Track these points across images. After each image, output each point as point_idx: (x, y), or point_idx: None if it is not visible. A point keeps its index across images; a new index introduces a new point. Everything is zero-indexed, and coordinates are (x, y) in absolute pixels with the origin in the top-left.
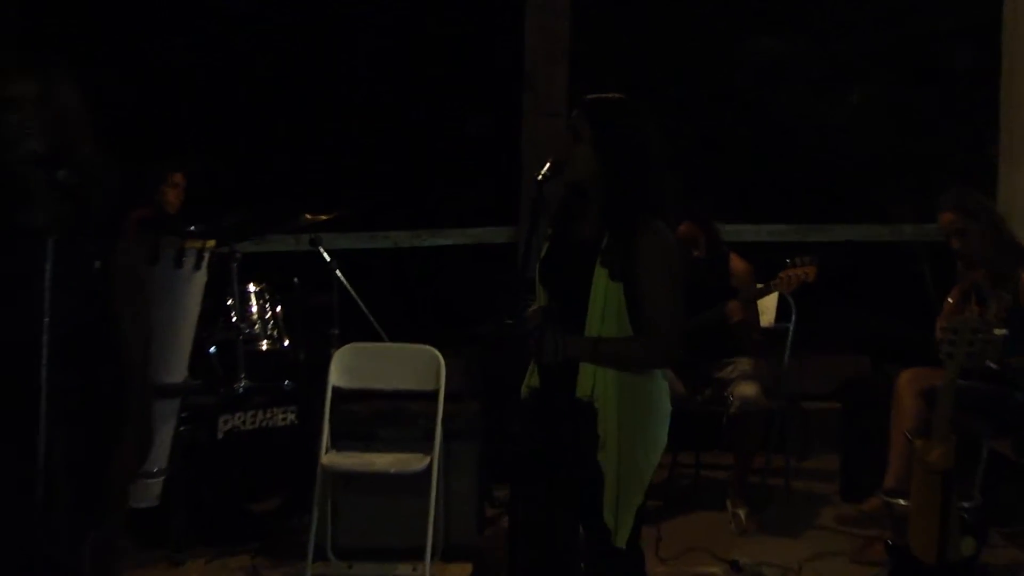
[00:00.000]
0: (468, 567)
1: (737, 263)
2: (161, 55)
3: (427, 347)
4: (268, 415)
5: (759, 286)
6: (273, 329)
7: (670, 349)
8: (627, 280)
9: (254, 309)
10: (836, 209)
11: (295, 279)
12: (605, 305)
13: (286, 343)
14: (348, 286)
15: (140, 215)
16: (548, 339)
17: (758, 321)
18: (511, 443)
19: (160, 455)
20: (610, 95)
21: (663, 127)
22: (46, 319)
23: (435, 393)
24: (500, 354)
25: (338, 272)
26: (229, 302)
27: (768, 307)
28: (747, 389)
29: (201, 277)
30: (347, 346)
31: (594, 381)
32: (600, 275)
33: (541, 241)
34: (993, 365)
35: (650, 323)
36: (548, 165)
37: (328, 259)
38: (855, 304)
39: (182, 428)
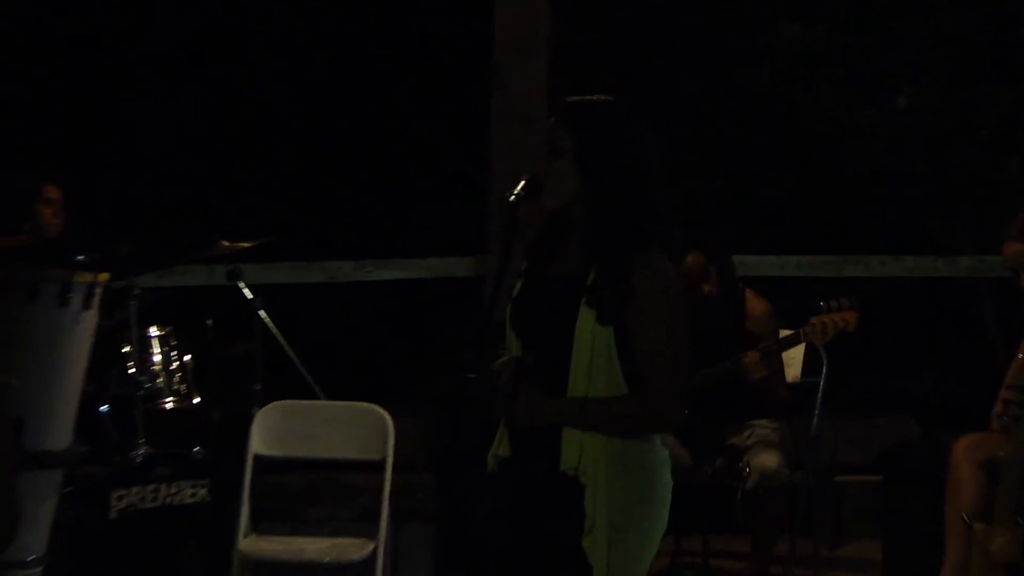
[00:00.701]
0: None
1: (755, 303)
2: (32, 42)
3: (372, 406)
4: (173, 490)
5: (785, 333)
6: (180, 383)
7: (672, 410)
8: (619, 325)
9: (157, 358)
10: (878, 238)
11: (208, 321)
12: (592, 356)
13: (196, 400)
14: (275, 330)
15: (11, 241)
16: (522, 398)
17: (783, 374)
18: (474, 526)
19: (35, 540)
20: (596, 97)
21: (662, 137)
22: None
23: (381, 463)
24: (462, 415)
25: (262, 313)
26: (126, 349)
27: (794, 358)
28: (767, 459)
29: (91, 318)
30: (273, 404)
31: (581, 451)
32: (586, 319)
33: (513, 276)
34: None
35: (647, 378)
36: (522, 184)
37: (250, 296)
38: (901, 354)
39: (65, 507)
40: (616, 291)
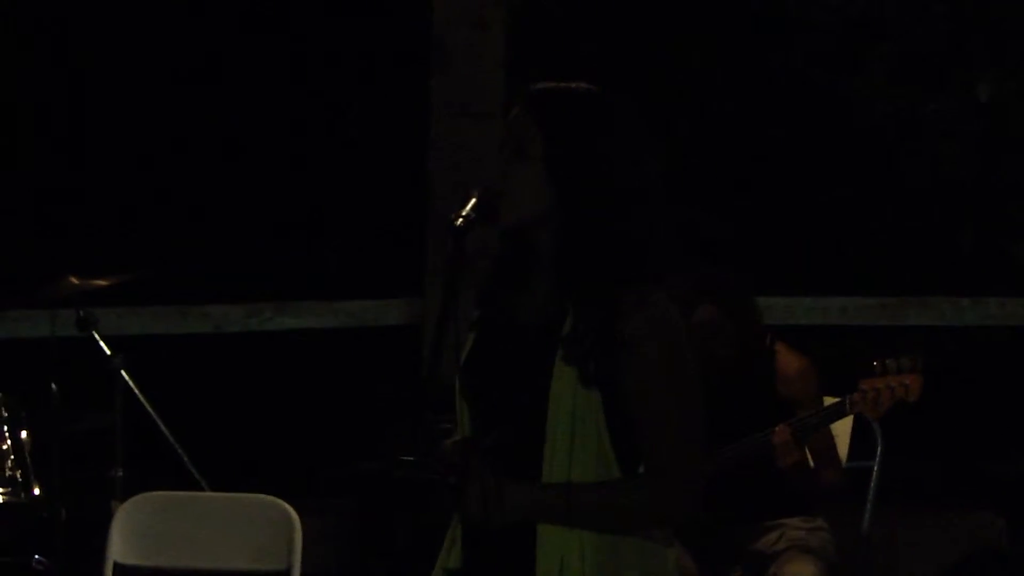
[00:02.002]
0: None
1: (789, 359)
2: None
3: (272, 499)
4: None
5: (829, 401)
6: (14, 469)
7: (686, 495)
8: (608, 386)
9: None
10: (951, 273)
11: (52, 385)
12: (574, 428)
13: (36, 492)
14: (141, 397)
15: None
16: (479, 487)
17: (833, 452)
18: None
19: None
20: (574, 85)
21: (659, 139)
22: None
23: (285, 575)
24: (392, 512)
25: (124, 373)
26: None
27: (838, 436)
28: (802, 569)
29: None
30: (138, 497)
31: (563, 558)
32: (564, 380)
33: (461, 325)
34: None
35: (652, 454)
36: (473, 201)
37: (108, 352)
38: (981, 430)
39: None
40: (603, 341)
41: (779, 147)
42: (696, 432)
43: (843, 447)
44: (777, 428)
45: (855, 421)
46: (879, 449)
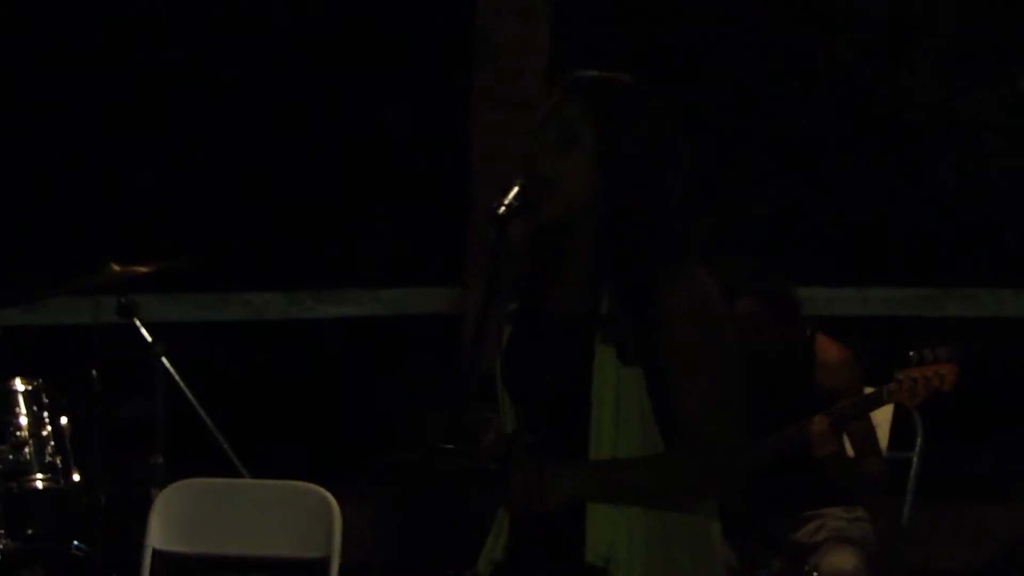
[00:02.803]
0: None
1: (829, 349)
2: None
3: (312, 487)
4: None
5: (868, 391)
6: (55, 455)
7: (729, 465)
8: (649, 362)
9: (23, 421)
10: (992, 264)
11: (93, 372)
12: (619, 406)
13: (76, 478)
14: (182, 384)
15: None
16: (521, 472)
17: (873, 441)
18: None
19: None
20: (614, 74)
21: (698, 130)
22: None
23: (324, 563)
24: (432, 500)
25: (165, 360)
26: None
27: (879, 425)
28: (842, 560)
29: None
30: (178, 484)
31: (613, 534)
32: (605, 360)
33: (503, 316)
34: None
35: (694, 425)
36: (516, 190)
37: (149, 339)
38: (1022, 421)
39: None
40: (641, 317)
41: (823, 139)
42: (736, 405)
43: (883, 437)
44: (815, 418)
45: (896, 411)
46: (919, 440)
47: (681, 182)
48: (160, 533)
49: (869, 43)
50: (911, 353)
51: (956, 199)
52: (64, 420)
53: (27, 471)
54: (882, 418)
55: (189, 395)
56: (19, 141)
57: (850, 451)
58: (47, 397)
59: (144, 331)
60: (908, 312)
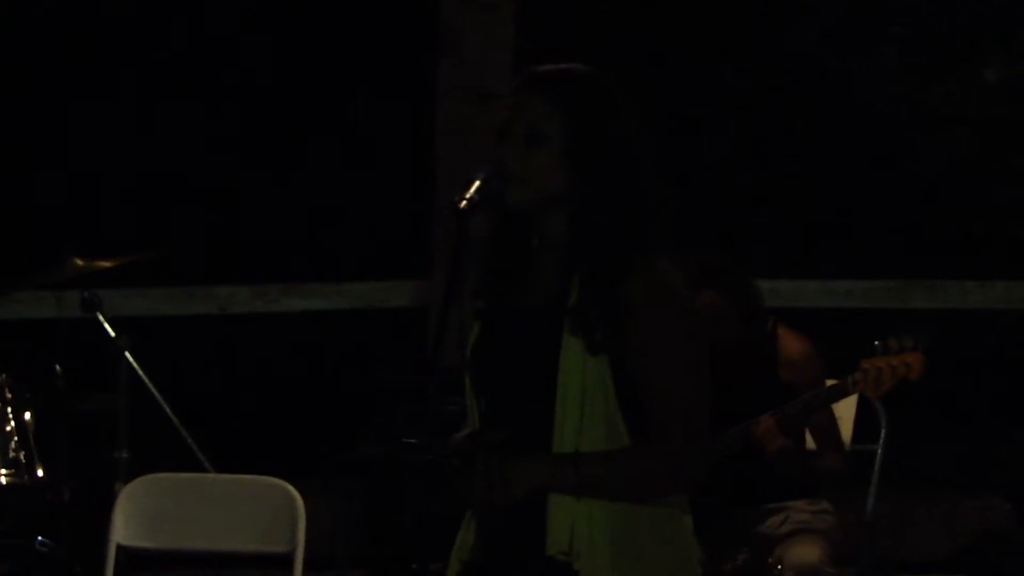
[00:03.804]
0: None
1: (791, 342)
2: None
3: (276, 481)
4: None
5: (829, 383)
6: (18, 450)
7: (694, 458)
8: (615, 352)
9: None
10: (958, 256)
11: (56, 366)
12: (583, 397)
13: (40, 474)
14: (145, 378)
15: None
16: (483, 466)
17: (835, 433)
18: None
19: None
20: (576, 67)
21: (662, 119)
22: None
23: (288, 557)
24: (398, 494)
25: (128, 355)
26: None
27: (842, 418)
28: (806, 552)
29: None
30: (142, 479)
31: (573, 526)
32: (572, 350)
33: (466, 306)
34: None
35: (659, 418)
36: (478, 183)
37: (112, 334)
38: (987, 412)
39: None
40: (607, 307)
41: (788, 129)
42: (701, 398)
43: (847, 430)
44: (761, 418)
45: (859, 404)
46: (883, 432)
47: (648, 173)
48: (124, 528)
49: (836, 32)
50: (876, 343)
51: (922, 190)
52: (27, 415)
53: None
54: (846, 411)
55: (153, 390)
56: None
57: (812, 444)
58: (10, 392)
59: (108, 326)
60: (873, 304)
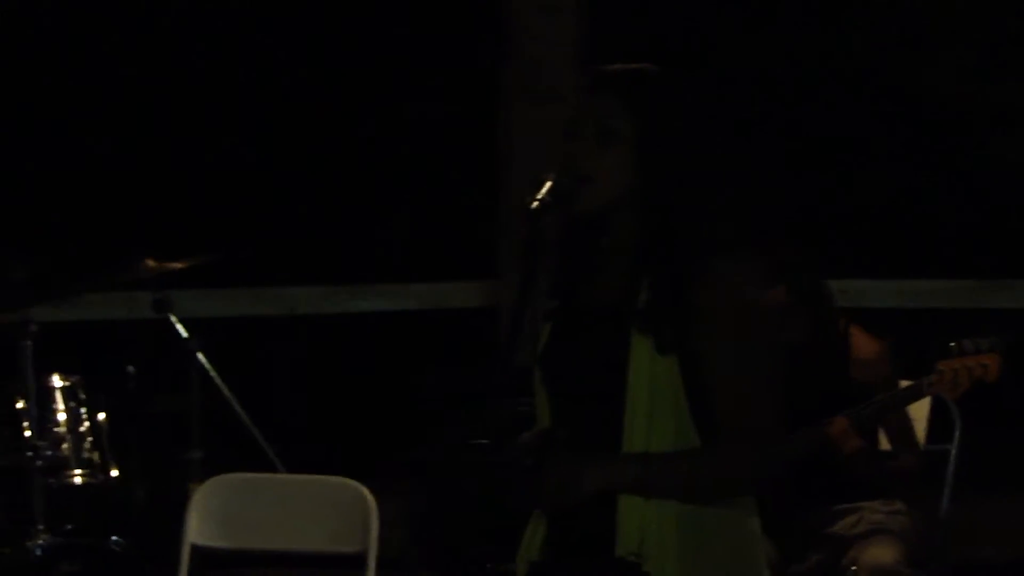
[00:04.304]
0: None
1: (864, 342)
2: None
3: (348, 482)
4: None
5: (904, 384)
6: (92, 450)
7: (763, 459)
8: (684, 353)
9: (61, 417)
10: None
11: (129, 367)
12: (652, 398)
13: (113, 473)
14: (217, 379)
15: None
16: (553, 466)
17: (910, 434)
18: None
19: None
20: (646, 66)
21: (729, 122)
22: None
23: (360, 557)
24: (467, 495)
25: (200, 356)
26: (19, 405)
27: (916, 418)
28: (881, 554)
29: None
30: (215, 479)
31: (643, 527)
32: (640, 350)
33: (538, 307)
34: None
35: (727, 418)
36: (548, 184)
37: (184, 335)
38: None
39: None
40: (678, 307)
41: (860, 131)
42: (770, 399)
43: (921, 430)
44: (835, 419)
45: (934, 404)
46: (957, 432)
47: (719, 172)
48: (198, 528)
49: (902, 36)
50: (952, 344)
51: (993, 190)
52: (101, 416)
53: (65, 467)
54: (920, 411)
55: (224, 390)
56: (55, 139)
57: (887, 445)
58: (84, 393)
59: (179, 327)
60: (945, 304)
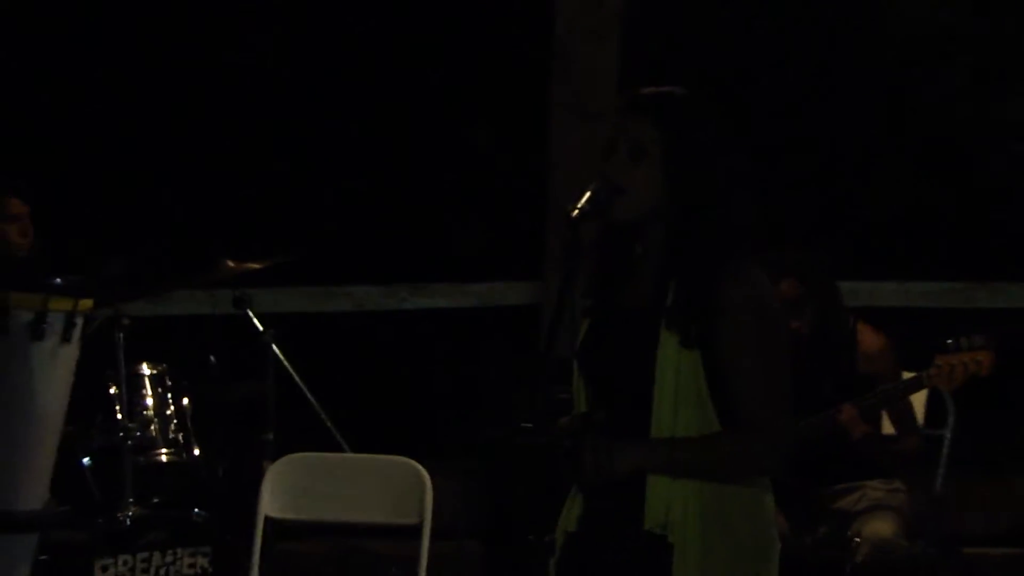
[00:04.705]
0: None
1: (869, 337)
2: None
3: (406, 460)
4: (169, 558)
5: (906, 376)
6: (177, 431)
7: (778, 444)
8: (707, 348)
9: (149, 402)
10: (1019, 261)
11: (211, 357)
12: (678, 388)
13: (196, 452)
14: (289, 368)
15: None
16: (589, 448)
17: (911, 420)
18: None
19: None
20: (674, 89)
21: (751, 136)
22: None
23: (416, 528)
24: (514, 473)
25: (275, 347)
26: (112, 391)
27: (914, 405)
28: (881, 527)
29: (71, 354)
30: (287, 458)
31: (669, 503)
32: (668, 345)
33: (577, 306)
34: None
35: (745, 407)
36: (588, 195)
37: (261, 328)
38: None
39: None
40: (702, 307)
41: (868, 146)
42: (784, 391)
43: (919, 417)
44: (844, 407)
45: (930, 392)
46: (951, 419)
47: (737, 185)
48: (271, 502)
49: (911, 55)
50: (948, 341)
51: (990, 200)
52: (185, 401)
53: (153, 446)
54: (917, 399)
55: (296, 378)
56: (150, 155)
57: (890, 429)
58: (170, 380)
59: (256, 321)
60: (943, 304)
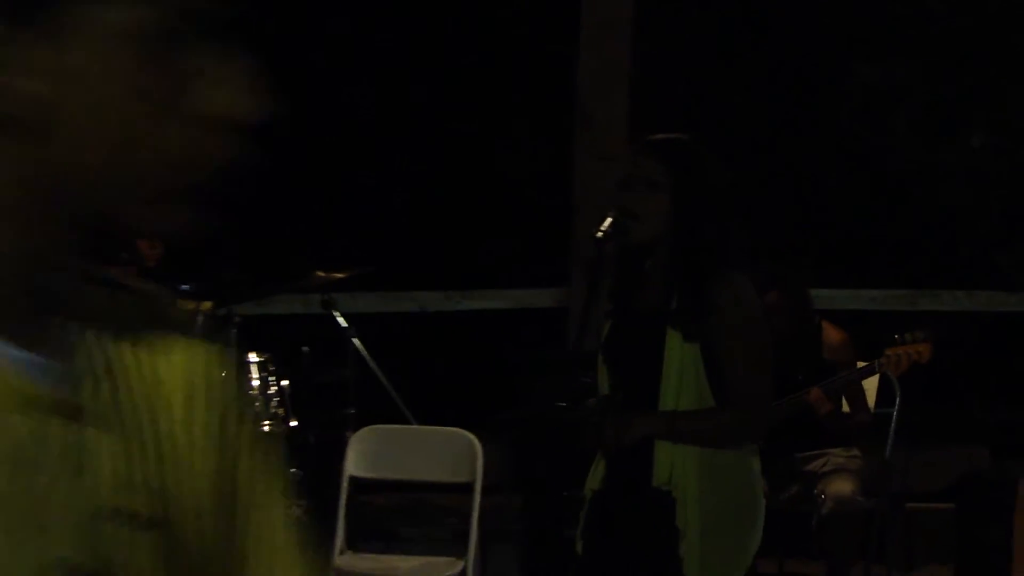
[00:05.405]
0: None
1: (832, 333)
2: None
3: (461, 431)
4: None
5: (860, 364)
6: (278, 407)
7: (758, 416)
8: (704, 341)
9: (255, 383)
10: (951, 273)
11: (304, 348)
12: (681, 373)
13: (293, 424)
14: (367, 357)
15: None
16: (610, 422)
17: (863, 401)
18: (561, 547)
19: None
20: (679, 136)
21: (741, 173)
22: None
23: (469, 485)
24: (548, 441)
25: (356, 340)
26: None
27: (868, 388)
28: (842, 486)
29: None
30: (366, 428)
31: (672, 465)
32: (672, 339)
33: (601, 314)
34: None
35: (733, 386)
36: (608, 220)
37: (344, 325)
38: (972, 386)
39: None
40: (699, 307)
41: (832, 180)
42: (765, 376)
43: (871, 398)
44: (812, 389)
45: (880, 378)
46: (898, 399)
47: (729, 212)
48: (353, 464)
49: (865, 104)
50: (895, 336)
51: (927, 225)
52: (284, 383)
53: (258, 420)
54: (871, 383)
55: (373, 365)
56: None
57: (847, 408)
58: (272, 366)
59: (341, 319)
60: (891, 307)
